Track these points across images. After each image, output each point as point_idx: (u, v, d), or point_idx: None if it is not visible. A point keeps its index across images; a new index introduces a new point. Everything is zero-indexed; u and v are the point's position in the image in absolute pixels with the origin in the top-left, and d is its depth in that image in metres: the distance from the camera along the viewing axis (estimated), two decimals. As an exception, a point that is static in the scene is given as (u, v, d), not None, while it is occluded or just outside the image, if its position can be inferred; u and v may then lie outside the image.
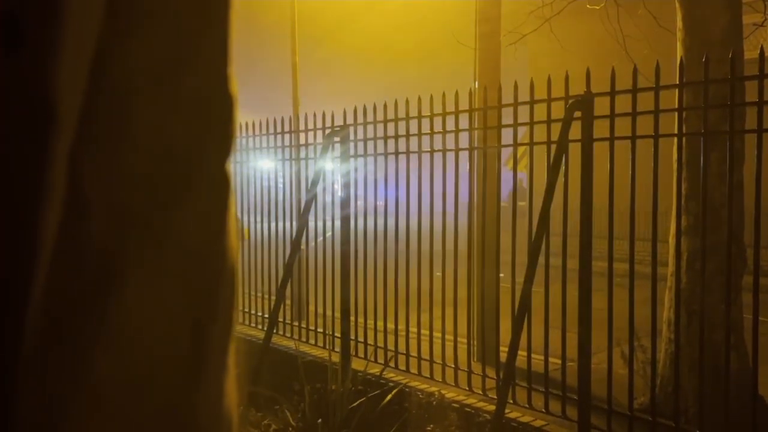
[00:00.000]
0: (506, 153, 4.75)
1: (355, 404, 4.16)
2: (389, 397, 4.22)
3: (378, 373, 4.57)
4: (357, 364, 4.74)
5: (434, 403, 4.19)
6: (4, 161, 0.31)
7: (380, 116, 4.95)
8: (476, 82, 5.62)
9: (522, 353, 3.73)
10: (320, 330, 5.46)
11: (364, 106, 5.09)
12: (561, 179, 3.67)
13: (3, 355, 0.32)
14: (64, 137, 0.32)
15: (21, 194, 0.31)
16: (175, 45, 0.36)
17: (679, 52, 4.10)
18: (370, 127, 5.06)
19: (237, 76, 0.39)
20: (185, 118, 0.36)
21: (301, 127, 5.86)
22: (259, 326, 6.14)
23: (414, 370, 4.69)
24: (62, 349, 0.33)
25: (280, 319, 5.68)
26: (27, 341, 0.32)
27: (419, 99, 4.68)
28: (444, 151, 4.54)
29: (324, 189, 5.37)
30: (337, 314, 5.24)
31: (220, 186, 0.38)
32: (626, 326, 3.61)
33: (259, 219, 6.28)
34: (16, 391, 0.32)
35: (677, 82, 3.56)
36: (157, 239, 0.35)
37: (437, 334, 4.55)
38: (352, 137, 5.22)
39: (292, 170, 6.12)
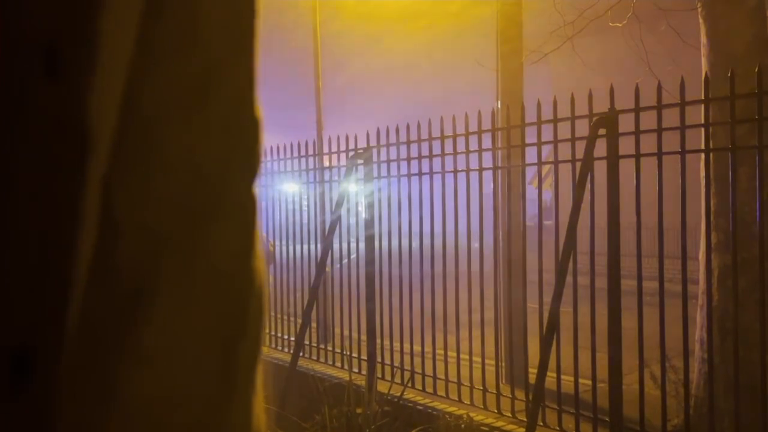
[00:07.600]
0: (531, 172, 4.73)
1: (381, 426, 4.13)
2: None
3: (399, 395, 4.52)
4: (384, 387, 4.71)
5: (463, 426, 4.13)
6: (40, 185, 0.32)
7: (403, 138, 4.98)
8: (498, 102, 5.62)
9: (551, 374, 3.67)
10: (346, 352, 5.45)
11: (387, 127, 5.12)
12: (587, 197, 3.64)
13: (42, 373, 0.33)
14: (98, 162, 0.33)
15: (56, 218, 0.33)
16: (203, 73, 0.37)
17: (704, 67, 4.06)
18: (393, 149, 5.09)
19: (262, 100, 0.40)
20: (213, 143, 0.37)
21: (325, 149, 5.92)
22: (285, 349, 6.14)
23: (441, 392, 4.64)
24: (95, 368, 0.34)
25: (306, 342, 5.68)
26: (63, 360, 0.33)
27: (441, 119, 4.69)
28: (468, 171, 4.54)
29: (348, 211, 5.40)
30: (363, 336, 5.22)
31: (247, 208, 0.39)
32: (657, 346, 3.54)
33: (284, 241, 6.33)
34: (52, 409, 0.33)
35: (702, 98, 3.52)
36: (186, 260, 0.36)
37: (464, 356, 4.50)
38: (375, 159, 5.25)
39: (317, 193, 6.17)
